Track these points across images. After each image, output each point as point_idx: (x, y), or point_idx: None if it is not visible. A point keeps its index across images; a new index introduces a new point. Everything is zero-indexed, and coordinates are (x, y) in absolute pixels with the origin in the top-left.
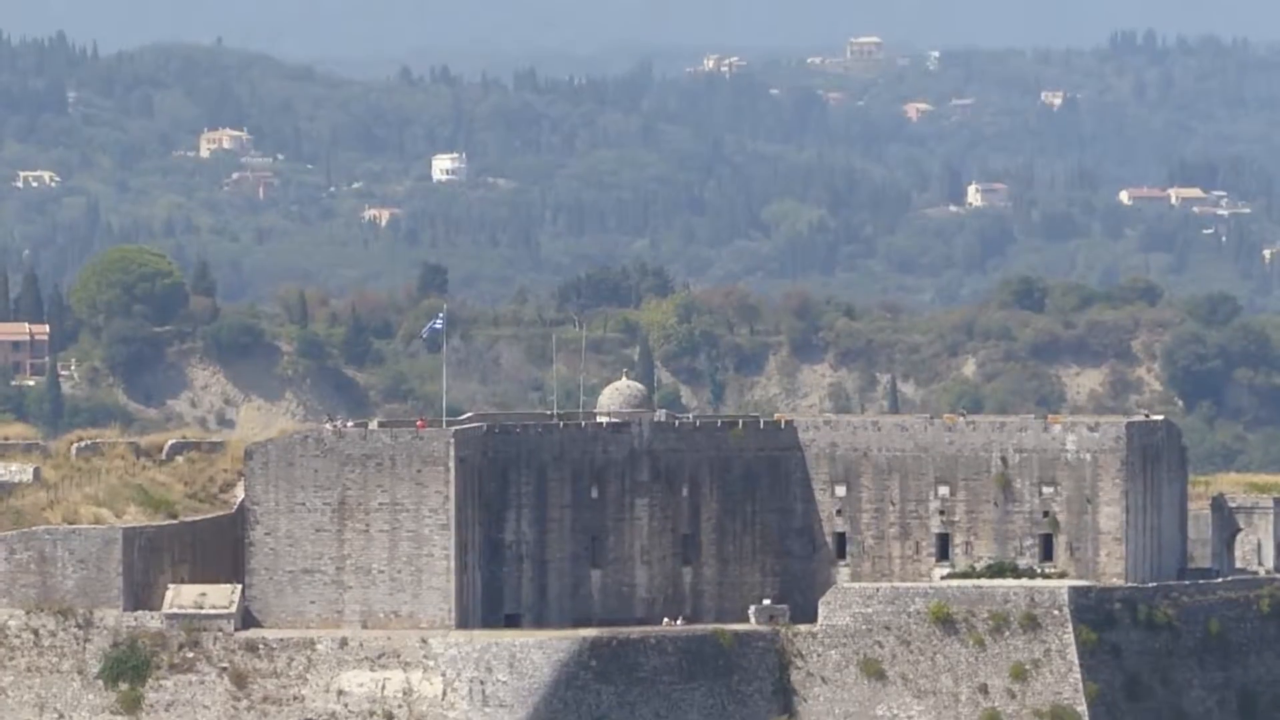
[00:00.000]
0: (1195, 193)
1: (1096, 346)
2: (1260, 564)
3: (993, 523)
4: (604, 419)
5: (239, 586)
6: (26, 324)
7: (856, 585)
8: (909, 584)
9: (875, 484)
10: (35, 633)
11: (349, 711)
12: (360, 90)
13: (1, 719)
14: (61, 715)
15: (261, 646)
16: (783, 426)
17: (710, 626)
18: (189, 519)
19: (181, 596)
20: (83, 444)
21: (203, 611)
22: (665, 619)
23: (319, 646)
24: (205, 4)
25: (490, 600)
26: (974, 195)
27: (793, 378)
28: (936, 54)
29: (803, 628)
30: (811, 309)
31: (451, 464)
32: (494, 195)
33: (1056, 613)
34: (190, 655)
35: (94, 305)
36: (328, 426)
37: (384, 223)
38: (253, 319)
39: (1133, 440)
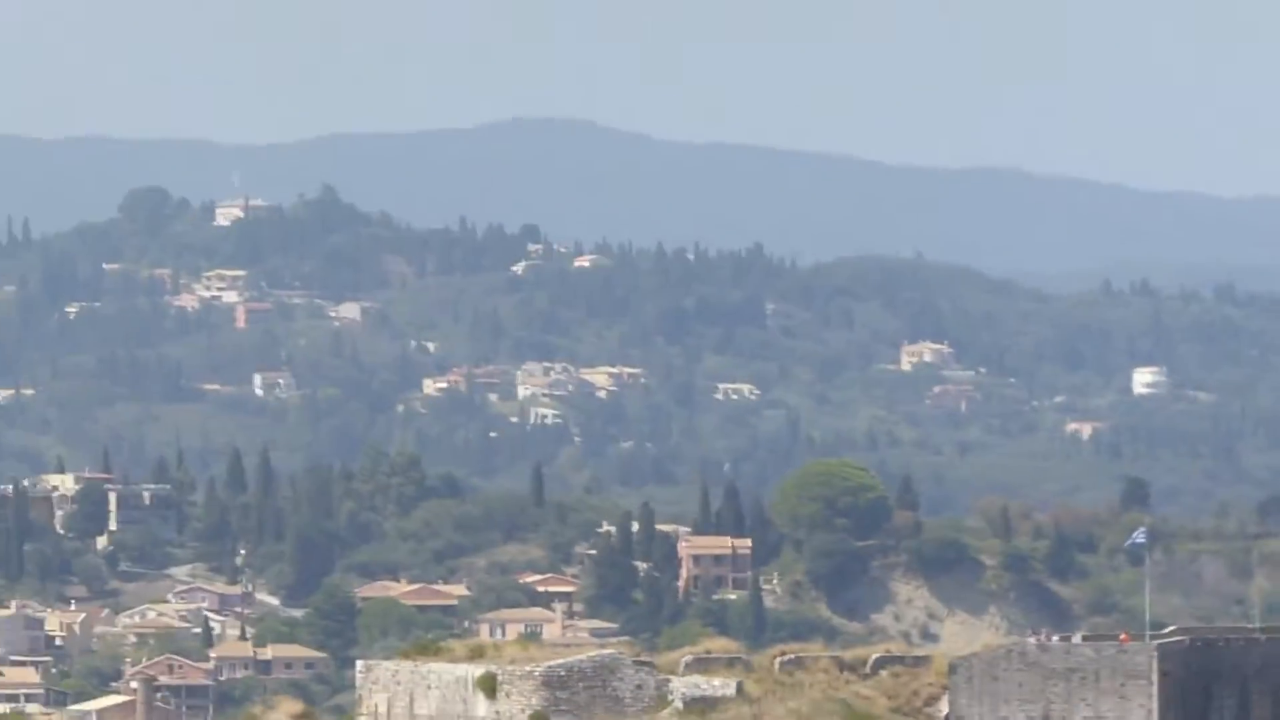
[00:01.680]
0: None
1: None
2: None
3: None
4: None
5: None
6: (728, 537)
7: None
8: None
9: None
10: None
11: None
12: (1061, 303)
13: None
14: None
15: None
16: None
17: None
18: None
19: None
20: (786, 658)
21: None
22: None
23: None
24: (904, 217)
25: None
26: None
27: None
28: None
29: None
30: None
31: (1154, 678)
32: (1195, 408)
33: None
34: None
35: (796, 519)
36: (1032, 640)
37: (1086, 436)
38: (956, 533)
39: None
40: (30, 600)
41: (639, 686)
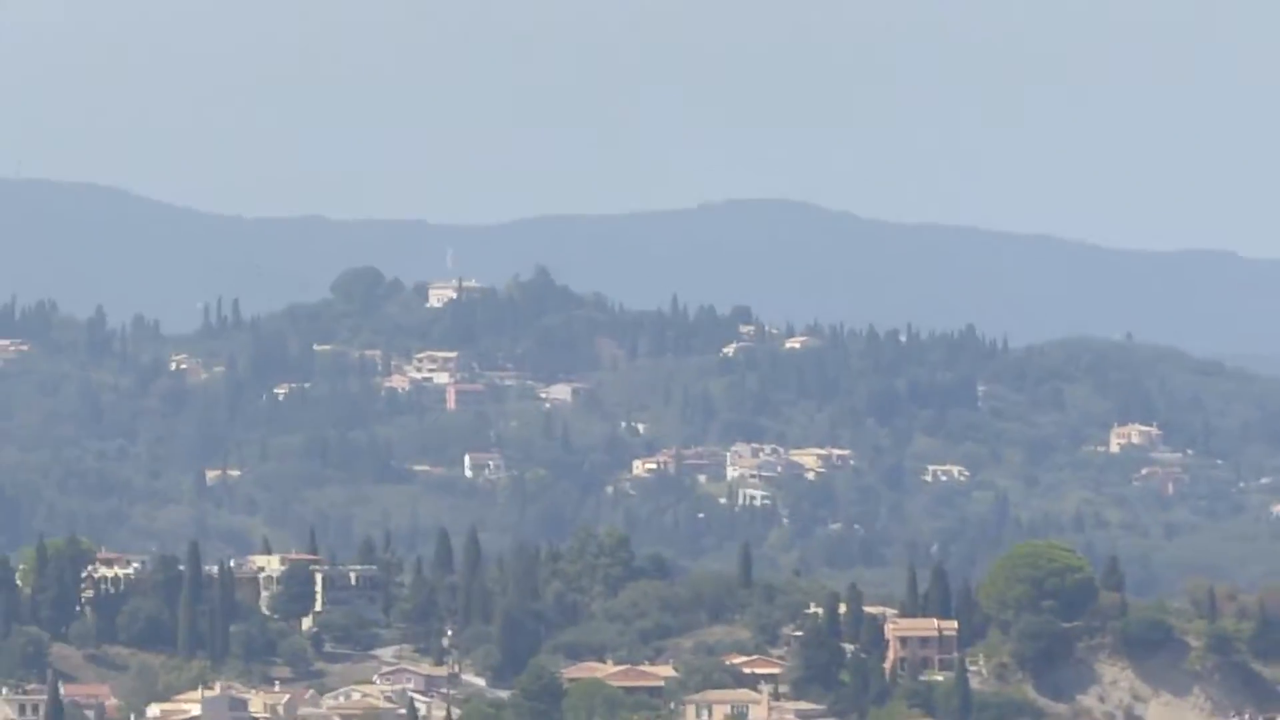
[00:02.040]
0: None
1: None
2: None
3: None
4: None
5: None
6: (935, 619)
7: None
8: None
9: None
10: None
11: None
12: (1268, 385)
13: None
14: None
15: None
16: None
17: None
18: None
19: None
20: None
21: None
22: None
23: None
24: (1114, 299)
25: None
26: None
27: None
28: None
29: None
30: None
31: None
32: None
33: None
34: None
35: (1003, 601)
36: None
37: None
38: (1161, 614)
39: None
40: (235, 681)
41: None
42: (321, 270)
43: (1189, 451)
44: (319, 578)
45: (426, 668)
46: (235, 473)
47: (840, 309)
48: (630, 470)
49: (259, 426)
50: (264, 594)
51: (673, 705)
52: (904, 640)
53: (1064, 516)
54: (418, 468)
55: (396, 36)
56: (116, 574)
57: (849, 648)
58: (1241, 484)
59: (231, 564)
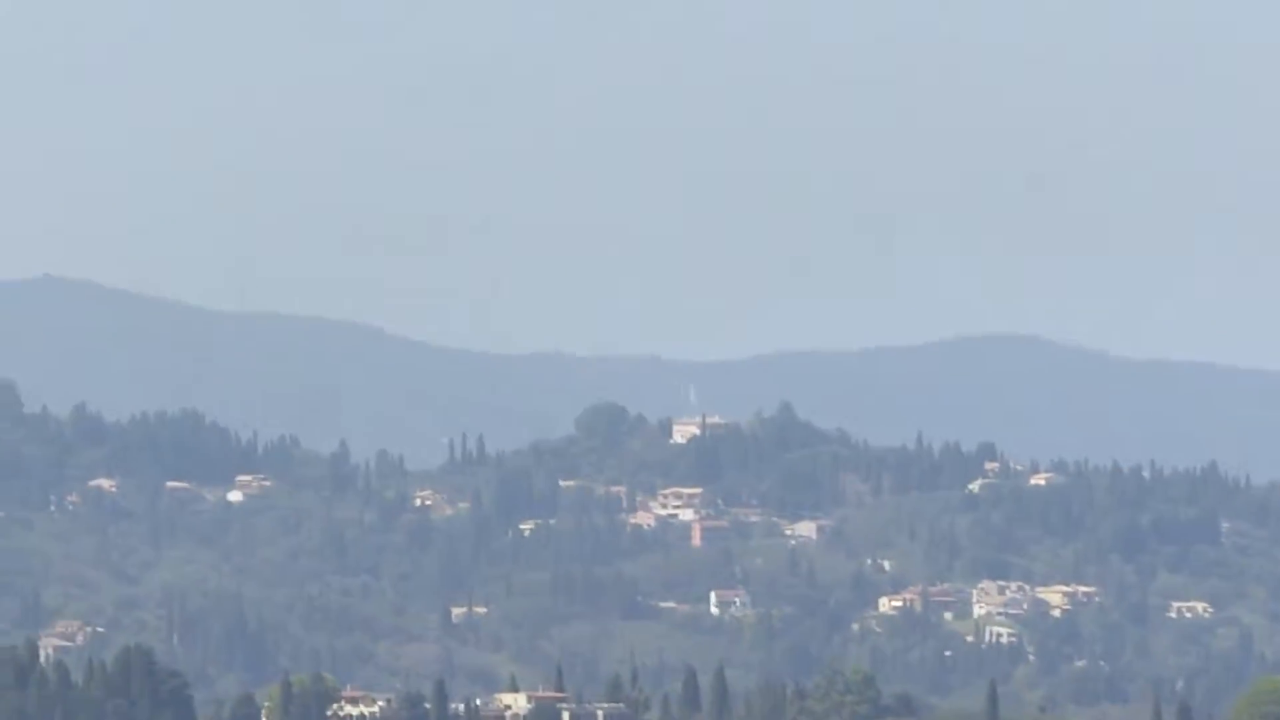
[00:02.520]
0: None
1: None
2: None
3: None
4: None
5: None
6: None
7: None
8: None
9: None
10: None
11: None
12: None
13: None
14: None
15: None
16: None
17: None
18: None
19: None
20: None
21: None
22: None
23: None
24: None
25: None
26: None
27: None
28: None
29: None
30: None
31: None
32: None
33: None
34: None
35: None
36: None
37: None
38: None
39: None
40: None
41: None
42: (563, 406)
43: None
44: (566, 715)
45: None
46: (481, 609)
47: (1082, 445)
48: (876, 607)
49: (504, 563)
50: None
51: None
52: None
53: None
54: (663, 604)
55: (636, 178)
56: (362, 712)
57: None
58: None
59: (478, 702)
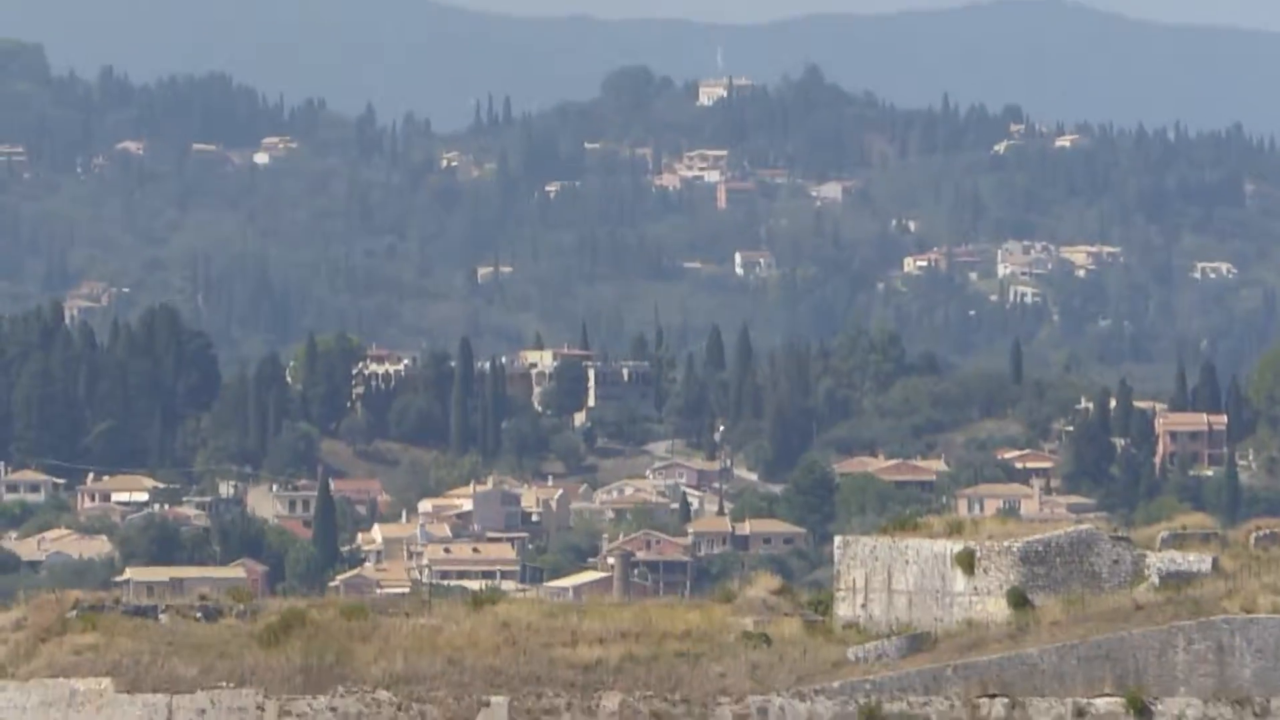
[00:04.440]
0: None
1: None
2: None
3: None
4: None
5: None
6: (1204, 414)
7: None
8: None
9: None
10: None
11: None
12: None
13: None
14: None
15: None
16: None
17: None
18: None
19: None
20: (1261, 533)
21: None
22: None
23: None
24: None
25: None
26: None
27: None
28: None
29: None
30: None
31: None
32: None
33: None
34: None
35: (1272, 396)
36: None
37: None
38: None
39: None
40: (508, 476)
41: (1116, 561)
42: (590, 69)
43: None
44: (591, 374)
45: (699, 463)
46: (506, 270)
47: (1108, 107)
48: (900, 268)
49: (530, 224)
50: (536, 390)
51: (944, 499)
52: (1174, 435)
53: None
54: (688, 265)
55: None
56: (387, 370)
57: (1119, 443)
58: None
59: (503, 360)
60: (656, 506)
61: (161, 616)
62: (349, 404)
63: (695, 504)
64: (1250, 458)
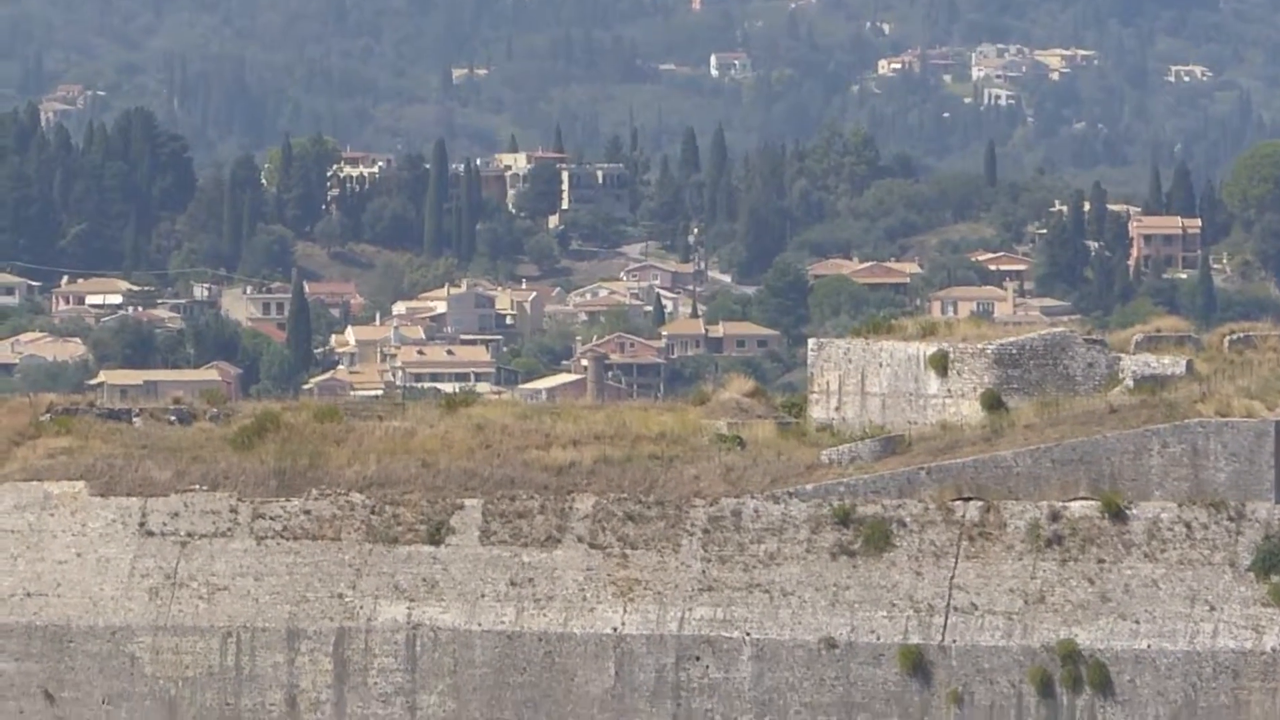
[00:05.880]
0: None
1: None
2: None
3: None
4: None
5: None
6: (1178, 217)
7: None
8: None
9: None
10: (1187, 525)
11: None
12: None
13: (1153, 611)
14: (1213, 607)
15: None
16: None
17: None
18: None
19: None
20: (1234, 337)
21: None
22: None
23: None
24: None
25: None
26: None
27: None
28: None
29: None
30: None
31: None
32: None
33: None
34: None
35: (1245, 199)
36: None
37: None
38: None
39: None
40: (482, 279)
41: (1090, 364)
42: None
43: None
44: (566, 176)
45: (673, 264)
46: (481, 72)
47: None
48: (875, 70)
49: (505, 25)
50: (510, 192)
51: (918, 301)
52: (1148, 238)
53: None
54: (663, 67)
55: None
56: (362, 173)
57: (1093, 245)
58: None
59: (478, 162)
60: (630, 309)
61: (136, 420)
62: (324, 206)
63: (669, 306)
64: (1224, 261)
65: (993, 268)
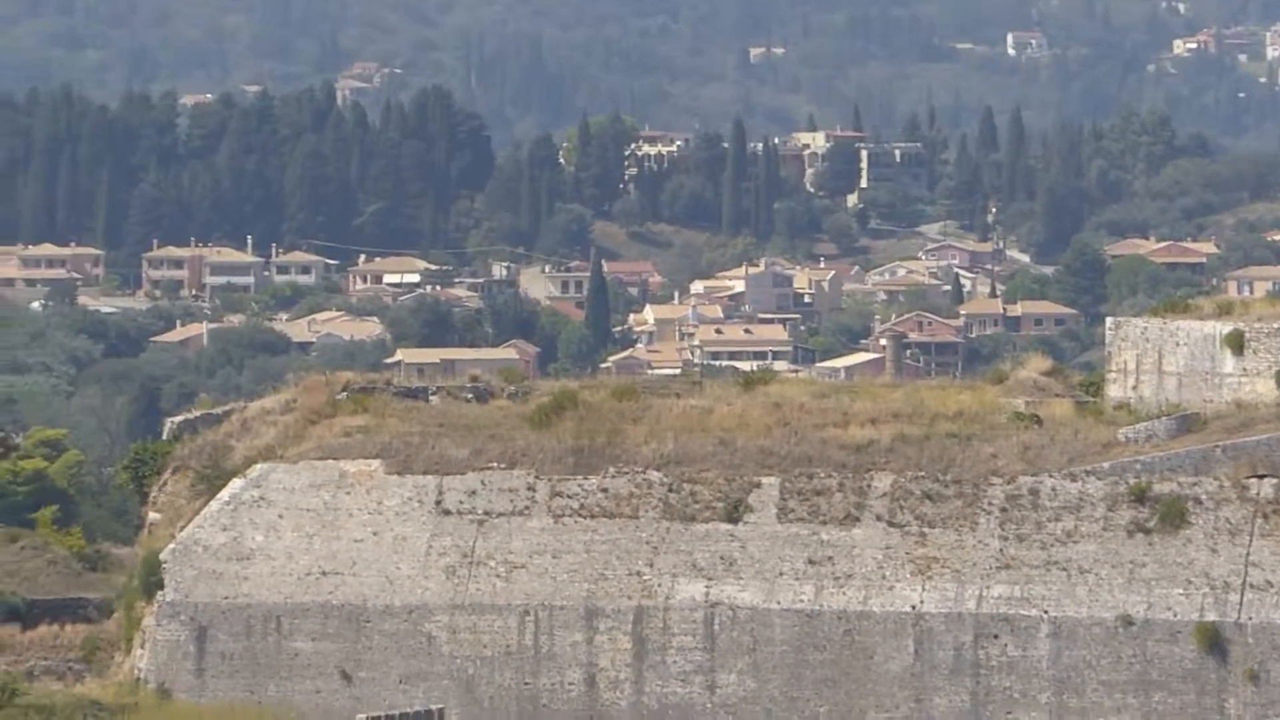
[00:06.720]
0: None
1: None
2: None
3: None
4: None
5: None
6: None
7: None
8: None
9: None
10: None
11: None
12: None
13: None
14: None
15: None
16: None
17: None
18: None
19: None
20: None
21: None
22: None
23: None
24: None
25: None
26: None
27: None
28: None
29: None
30: None
31: None
32: None
33: None
34: None
35: None
36: None
37: None
38: None
39: None
40: (779, 258)
41: None
42: None
43: None
44: (864, 155)
45: (971, 244)
46: (779, 50)
47: None
48: (1170, 49)
49: (802, 3)
50: (808, 171)
51: (1215, 281)
52: None
53: None
54: (960, 45)
55: None
56: (660, 152)
57: None
58: None
59: (776, 141)
60: (928, 288)
61: (432, 398)
62: (621, 185)
63: (967, 285)
64: None
65: None
